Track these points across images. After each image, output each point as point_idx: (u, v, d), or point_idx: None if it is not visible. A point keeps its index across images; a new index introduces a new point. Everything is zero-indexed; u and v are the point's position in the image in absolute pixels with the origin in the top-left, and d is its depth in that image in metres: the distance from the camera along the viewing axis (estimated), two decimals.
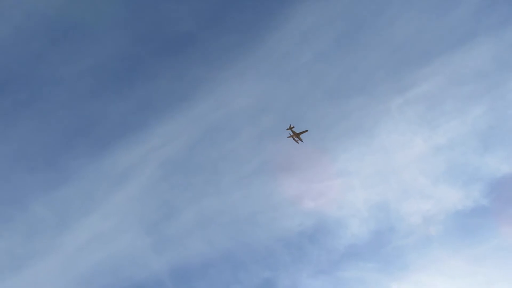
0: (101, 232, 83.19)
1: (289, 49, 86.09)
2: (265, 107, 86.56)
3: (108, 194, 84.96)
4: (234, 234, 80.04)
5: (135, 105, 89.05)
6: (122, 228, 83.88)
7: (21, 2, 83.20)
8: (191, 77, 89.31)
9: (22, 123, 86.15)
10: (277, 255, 78.06)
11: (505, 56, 76.42)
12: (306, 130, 61.89)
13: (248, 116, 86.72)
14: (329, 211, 79.13)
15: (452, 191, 74.77)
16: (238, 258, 78.35)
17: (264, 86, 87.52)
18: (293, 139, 62.56)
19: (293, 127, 59.98)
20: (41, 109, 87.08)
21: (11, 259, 78.03)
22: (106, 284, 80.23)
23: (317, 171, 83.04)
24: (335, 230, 77.99)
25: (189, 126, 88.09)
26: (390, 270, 73.79)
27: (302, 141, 63.71)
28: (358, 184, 79.79)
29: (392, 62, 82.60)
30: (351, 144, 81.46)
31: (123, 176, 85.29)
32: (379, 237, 75.65)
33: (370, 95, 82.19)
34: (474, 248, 71.23)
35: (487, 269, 69.29)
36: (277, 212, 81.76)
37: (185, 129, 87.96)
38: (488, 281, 68.62)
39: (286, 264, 77.63)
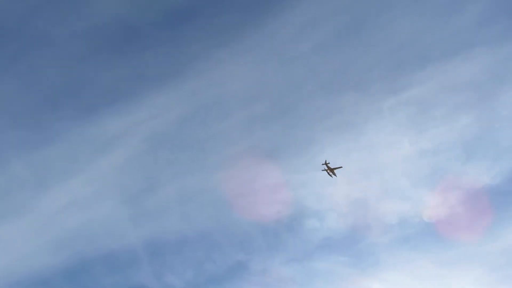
0: (80, 198, 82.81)
1: (289, 37, 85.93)
2: (258, 93, 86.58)
3: (91, 160, 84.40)
4: (212, 214, 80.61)
5: (127, 74, 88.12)
6: (101, 196, 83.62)
7: None
8: (187, 53, 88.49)
9: (9, 78, 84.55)
10: (252, 239, 79.03)
11: (499, 69, 77.79)
12: (341, 167, 68.61)
13: (240, 99, 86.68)
14: (309, 203, 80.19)
15: (430, 195, 76.37)
16: (214, 238, 79.13)
17: (260, 71, 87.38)
18: (327, 173, 68.93)
19: (329, 163, 67.12)
20: (31, 66, 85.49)
21: None
22: (80, 250, 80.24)
23: (302, 161, 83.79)
24: (313, 222, 79.18)
25: (179, 102, 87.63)
26: (361, 266, 75.50)
27: (336, 175, 69.93)
28: (341, 179, 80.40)
29: (389, 62, 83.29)
30: (339, 139, 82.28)
31: (108, 144, 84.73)
32: (355, 232, 77.05)
33: (364, 92, 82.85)
34: (444, 252, 73.38)
35: (454, 274, 71.44)
36: (258, 198, 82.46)
37: (175, 104, 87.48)
38: (453, 285, 70.68)
39: (261, 249, 78.70)
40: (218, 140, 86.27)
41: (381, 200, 77.30)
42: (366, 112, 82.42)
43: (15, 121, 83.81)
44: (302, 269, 76.30)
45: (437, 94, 80.00)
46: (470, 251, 71.76)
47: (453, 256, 72.23)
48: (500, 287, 67.55)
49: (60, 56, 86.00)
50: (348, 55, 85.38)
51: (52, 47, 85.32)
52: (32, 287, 74.80)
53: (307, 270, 76.17)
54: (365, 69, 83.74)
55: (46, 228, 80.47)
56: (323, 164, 67.06)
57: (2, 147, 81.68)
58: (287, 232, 78.98)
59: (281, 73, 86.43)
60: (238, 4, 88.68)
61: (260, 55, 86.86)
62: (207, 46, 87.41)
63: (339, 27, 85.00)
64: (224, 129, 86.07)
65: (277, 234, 79.06)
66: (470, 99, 78.81)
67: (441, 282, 70.90)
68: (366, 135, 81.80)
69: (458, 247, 72.72)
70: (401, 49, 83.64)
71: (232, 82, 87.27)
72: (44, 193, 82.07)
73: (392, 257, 74.86)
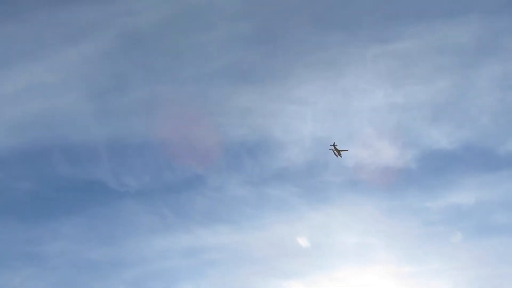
0: (44, 83, 79.80)
1: None
2: (246, 12, 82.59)
3: (60, 46, 79.84)
4: (179, 126, 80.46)
5: None
6: (66, 86, 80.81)
7: None
8: None
9: None
10: (213, 157, 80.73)
11: (488, 41, 77.62)
12: (347, 150, 69.94)
13: (226, 15, 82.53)
14: (275, 132, 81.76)
15: (390, 148, 79.74)
16: (176, 149, 79.94)
17: None
18: (334, 153, 70.04)
19: (337, 145, 68.81)
20: None
21: None
22: (39, 136, 79.40)
23: (277, 91, 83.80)
24: (275, 151, 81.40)
25: (163, 3, 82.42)
26: (311, 199, 79.79)
27: (341, 156, 71.12)
28: (310, 116, 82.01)
29: (384, 10, 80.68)
30: (317, 76, 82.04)
31: (79, 33, 79.80)
32: (312, 168, 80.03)
33: (352, 35, 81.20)
34: (389, 202, 78.39)
35: (393, 222, 77.24)
36: (226, 118, 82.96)
37: (158, 4, 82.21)
38: (389, 230, 77.02)
39: (220, 168, 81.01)
40: (197, 52, 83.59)
41: (343, 144, 79.37)
42: (349, 55, 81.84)
43: None
44: (255, 192, 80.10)
45: (422, 52, 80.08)
46: (412, 205, 77.35)
47: (396, 206, 77.78)
48: (427, 239, 74.75)
49: None
50: None
51: None
52: None
53: (260, 194, 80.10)
54: (358, 12, 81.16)
55: (5, 109, 78.12)
56: (331, 145, 69.16)
57: None
58: (248, 156, 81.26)
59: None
60: None
61: None
62: None
63: None
64: (205, 42, 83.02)
65: (239, 156, 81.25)
66: (452, 64, 79.67)
67: (379, 227, 76.88)
68: (344, 78, 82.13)
69: (403, 199, 78.16)
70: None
71: None
72: (5, 71, 78.25)
73: (341, 197, 79.53)
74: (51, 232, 75.42)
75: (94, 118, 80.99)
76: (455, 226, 74.74)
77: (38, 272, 71.13)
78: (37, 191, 77.93)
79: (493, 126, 77.11)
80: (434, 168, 78.88)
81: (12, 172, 76.99)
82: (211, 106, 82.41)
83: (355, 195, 78.89)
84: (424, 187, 78.58)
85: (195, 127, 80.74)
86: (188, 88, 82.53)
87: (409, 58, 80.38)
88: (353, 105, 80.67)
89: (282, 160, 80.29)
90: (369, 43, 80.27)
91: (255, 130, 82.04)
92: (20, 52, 78.84)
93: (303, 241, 74.63)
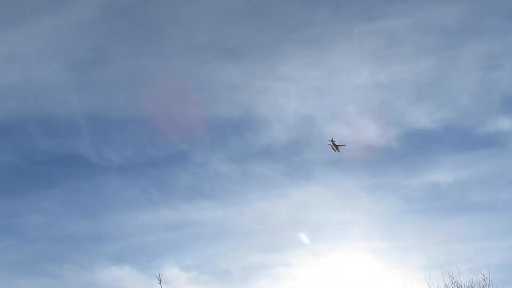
0: (22, 53, 77.00)
1: None
2: None
3: (38, 14, 76.62)
4: (162, 100, 79.31)
5: None
6: (46, 56, 78.24)
7: None
8: None
9: None
10: (197, 133, 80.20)
11: (473, 20, 78.00)
12: (345, 145, 69.07)
13: None
14: (259, 110, 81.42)
15: (373, 126, 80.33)
16: (160, 124, 79.03)
17: None
18: (332, 148, 68.76)
19: (335, 141, 67.56)
20: None
21: None
22: (16, 109, 77.19)
23: (262, 67, 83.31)
24: (259, 128, 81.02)
25: None
26: (294, 176, 79.97)
27: (339, 151, 69.55)
28: (294, 93, 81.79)
29: None
30: (303, 53, 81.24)
31: (61, 1, 77.12)
32: (295, 146, 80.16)
33: (339, 11, 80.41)
34: (370, 179, 78.96)
35: (373, 198, 78.15)
36: (211, 95, 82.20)
37: None
38: (370, 206, 78.29)
39: (204, 144, 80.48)
40: (181, 26, 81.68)
41: (327, 122, 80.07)
42: (336, 32, 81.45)
43: None
44: (238, 169, 79.98)
45: (408, 31, 79.82)
46: (392, 183, 78.44)
47: (377, 184, 78.74)
48: (406, 216, 76.10)
49: None
50: None
51: None
52: None
53: (243, 171, 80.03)
54: None
55: None
56: (329, 141, 68.08)
57: None
58: (232, 133, 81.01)
59: None
60: None
61: None
62: None
63: None
64: (189, 16, 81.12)
65: (223, 133, 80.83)
66: (437, 43, 79.60)
67: (361, 202, 77.56)
68: (329, 55, 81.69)
69: (383, 177, 79.04)
70: None
71: None
72: None
73: (323, 174, 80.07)
74: (31, 205, 73.97)
75: (74, 90, 79.23)
76: (433, 204, 76.90)
77: (17, 244, 70.20)
78: (15, 164, 76.14)
79: (474, 107, 78.52)
80: (415, 147, 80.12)
81: None
82: (196, 81, 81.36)
83: (337, 172, 79.57)
84: (405, 165, 79.90)
85: (179, 102, 79.80)
86: (173, 62, 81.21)
87: (395, 36, 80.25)
88: (338, 83, 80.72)
89: (266, 137, 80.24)
90: (355, 21, 79.76)
91: (240, 106, 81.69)
92: None
93: (285, 217, 76.05)
